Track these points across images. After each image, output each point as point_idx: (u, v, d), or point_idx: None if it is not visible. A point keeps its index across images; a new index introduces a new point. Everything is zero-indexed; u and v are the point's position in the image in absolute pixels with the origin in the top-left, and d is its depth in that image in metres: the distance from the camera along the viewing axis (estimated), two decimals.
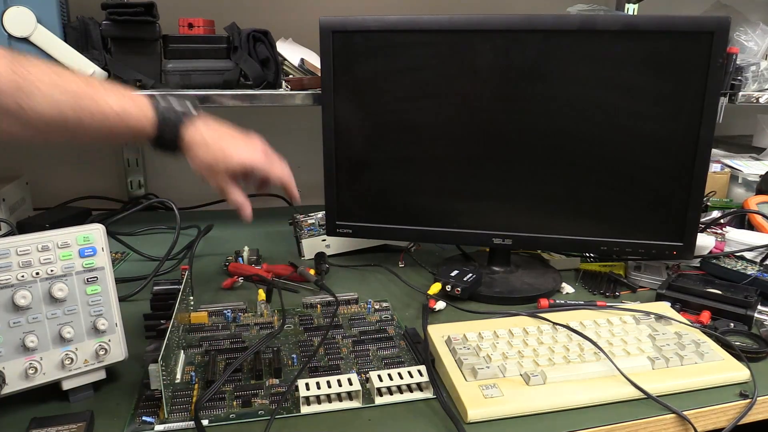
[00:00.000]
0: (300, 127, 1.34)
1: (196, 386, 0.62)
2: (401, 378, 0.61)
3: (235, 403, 0.59)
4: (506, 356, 0.65)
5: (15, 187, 1.10)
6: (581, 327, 0.71)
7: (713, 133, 0.78)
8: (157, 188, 1.32)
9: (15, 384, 0.55)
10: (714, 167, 1.26)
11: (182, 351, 0.68)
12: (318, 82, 0.91)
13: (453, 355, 0.66)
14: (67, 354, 0.57)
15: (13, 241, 0.55)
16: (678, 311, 0.77)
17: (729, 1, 1.31)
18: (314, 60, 1.04)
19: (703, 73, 0.76)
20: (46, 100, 0.56)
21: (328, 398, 0.59)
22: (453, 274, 0.83)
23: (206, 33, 1.01)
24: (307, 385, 0.59)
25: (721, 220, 1.02)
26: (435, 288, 0.82)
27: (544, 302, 0.80)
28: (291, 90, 1.00)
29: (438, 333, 0.70)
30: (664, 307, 0.77)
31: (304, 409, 0.58)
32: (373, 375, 0.61)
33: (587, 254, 0.97)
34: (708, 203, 1.18)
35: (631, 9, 1.26)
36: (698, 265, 0.93)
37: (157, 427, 0.55)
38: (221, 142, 0.68)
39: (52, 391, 0.58)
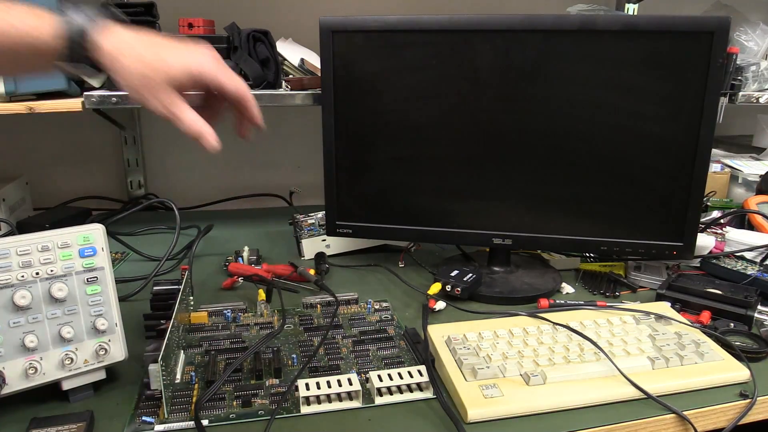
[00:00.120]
0: (300, 128, 1.35)
1: (196, 386, 0.62)
2: (401, 378, 0.60)
3: (235, 403, 0.59)
4: (506, 356, 0.65)
5: (15, 187, 1.10)
6: (581, 327, 0.71)
7: (713, 133, 0.78)
8: (157, 188, 1.32)
9: (15, 384, 0.55)
10: (714, 167, 1.26)
11: (182, 351, 0.68)
12: (318, 82, 0.91)
13: (453, 355, 0.66)
14: (67, 354, 0.57)
15: (13, 241, 0.55)
16: (678, 311, 0.77)
17: (729, 1, 1.31)
18: (314, 60, 1.04)
19: (703, 73, 0.76)
20: None
21: (328, 398, 0.59)
22: (453, 274, 0.83)
23: (206, 33, 1.01)
24: (307, 385, 0.59)
25: (721, 220, 1.02)
26: (435, 288, 0.82)
27: (544, 302, 0.80)
28: (291, 90, 1.00)
29: (438, 333, 0.70)
30: (664, 307, 0.77)
31: (304, 409, 0.58)
32: (373, 375, 0.61)
33: (587, 254, 0.97)
34: (708, 203, 1.18)
35: (631, 9, 1.26)
36: (698, 265, 0.93)
37: (157, 427, 0.55)
38: (156, 48, 0.55)
39: (52, 391, 0.58)
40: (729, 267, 0.88)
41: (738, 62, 1.16)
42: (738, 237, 0.96)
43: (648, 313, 0.74)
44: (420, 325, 0.73)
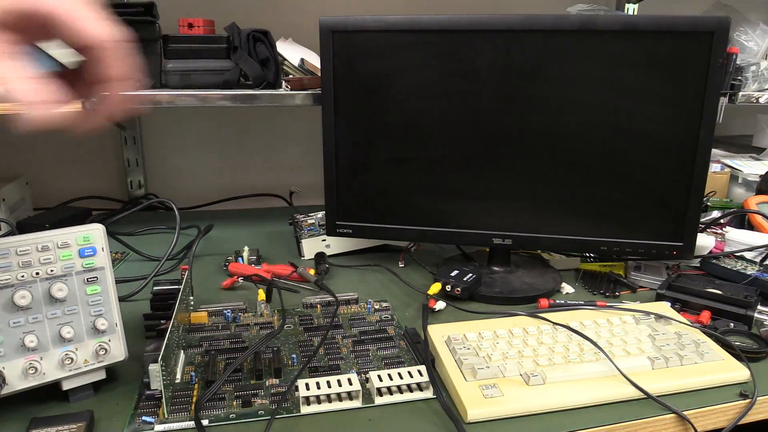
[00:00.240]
0: (300, 128, 1.35)
1: (196, 386, 0.62)
2: (401, 378, 0.60)
3: (235, 403, 0.59)
4: (506, 356, 0.65)
5: (15, 187, 1.10)
6: (581, 327, 0.71)
7: (713, 133, 0.78)
8: (157, 188, 1.32)
9: (15, 384, 0.55)
10: (714, 167, 1.26)
11: (182, 351, 0.68)
12: (318, 82, 0.91)
13: (453, 355, 0.66)
14: (67, 354, 0.57)
15: (13, 241, 0.55)
16: (678, 311, 0.77)
17: (729, 0, 1.31)
18: (314, 60, 1.04)
19: (703, 73, 0.76)
20: None
21: (328, 398, 0.59)
22: (453, 274, 0.83)
23: (206, 33, 1.01)
24: (307, 385, 0.59)
25: (721, 220, 1.02)
26: (435, 288, 0.82)
27: (544, 302, 0.80)
28: (291, 90, 1.00)
29: (438, 333, 0.70)
30: (664, 307, 0.77)
31: (304, 409, 0.58)
32: (373, 375, 0.61)
33: (587, 254, 0.97)
34: (708, 203, 1.18)
35: (631, 9, 1.26)
36: (698, 265, 0.93)
37: (157, 427, 0.55)
38: None
39: (51, 391, 0.58)
40: (729, 267, 0.88)
41: (738, 62, 1.16)
42: (738, 237, 0.96)
43: (648, 313, 0.74)
44: (420, 325, 0.73)
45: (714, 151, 1.24)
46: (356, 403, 0.59)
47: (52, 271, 0.56)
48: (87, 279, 0.58)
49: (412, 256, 1.00)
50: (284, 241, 1.08)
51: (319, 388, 0.58)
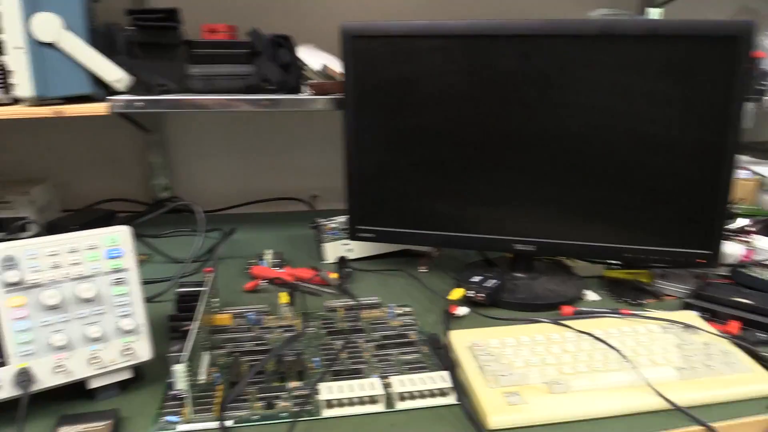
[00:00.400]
0: (318, 132, 1.35)
1: (220, 387, 0.62)
2: (423, 383, 0.60)
3: (258, 404, 0.59)
4: (529, 363, 0.64)
5: (43, 189, 1.12)
6: (605, 335, 0.70)
7: (739, 139, 0.76)
8: (182, 191, 1.33)
9: (43, 381, 0.56)
10: (742, 174, 1.23)
11: (206, 352, 0.68)
12: (340, 86, 0.92)
13: (475, 361, 0.65)
14: (94, 353, 0.58)
15: (42, 242, 0.56)
16: (705, 321, 0.75)
17: (756, 5, 1.29)
18: (335, 65, 1.05)
19: (727, 78, 0.74)
20: None
21: (350, 402, 0.59)
22: (475, 279, 0.83)
23: (228, 38, 1.02)
24: (329, 388, 0.59)
25: (750, 228, 1.00)
26: (457, 293, 0.81)
27: (567, 309, 0.79)
28: (314, 94, 1.00)
29: (460, 339, 0.70)
30: (691, 316, 0.75)
31: (327, 413, 0.58)
32: (395, 380, 0.61)
33: (611, 261, 0.96)
34: (736, 211, 1.16)
35: (656, 14, 1.25)
36: (725, 273, 0.91)
37: (182, 427, 0.56)
38: None
39: (78, 389, 0.59)
40: (758, 276, 0.86)
41: (764, 67, 1.14)
42: (766, 245, 0.93)
43: (675, 322, 0.73)
44: (442, 331, 0.72)
45: (742, 157, 1.22)
46: (378, 408, 0.59)
47: (80, 272, 0.57)
48: (114, 280, 0.59)
49: (434, 261, 0.99)
50: (306, 244, 1.08)
51: (341, 391, 0.58)
